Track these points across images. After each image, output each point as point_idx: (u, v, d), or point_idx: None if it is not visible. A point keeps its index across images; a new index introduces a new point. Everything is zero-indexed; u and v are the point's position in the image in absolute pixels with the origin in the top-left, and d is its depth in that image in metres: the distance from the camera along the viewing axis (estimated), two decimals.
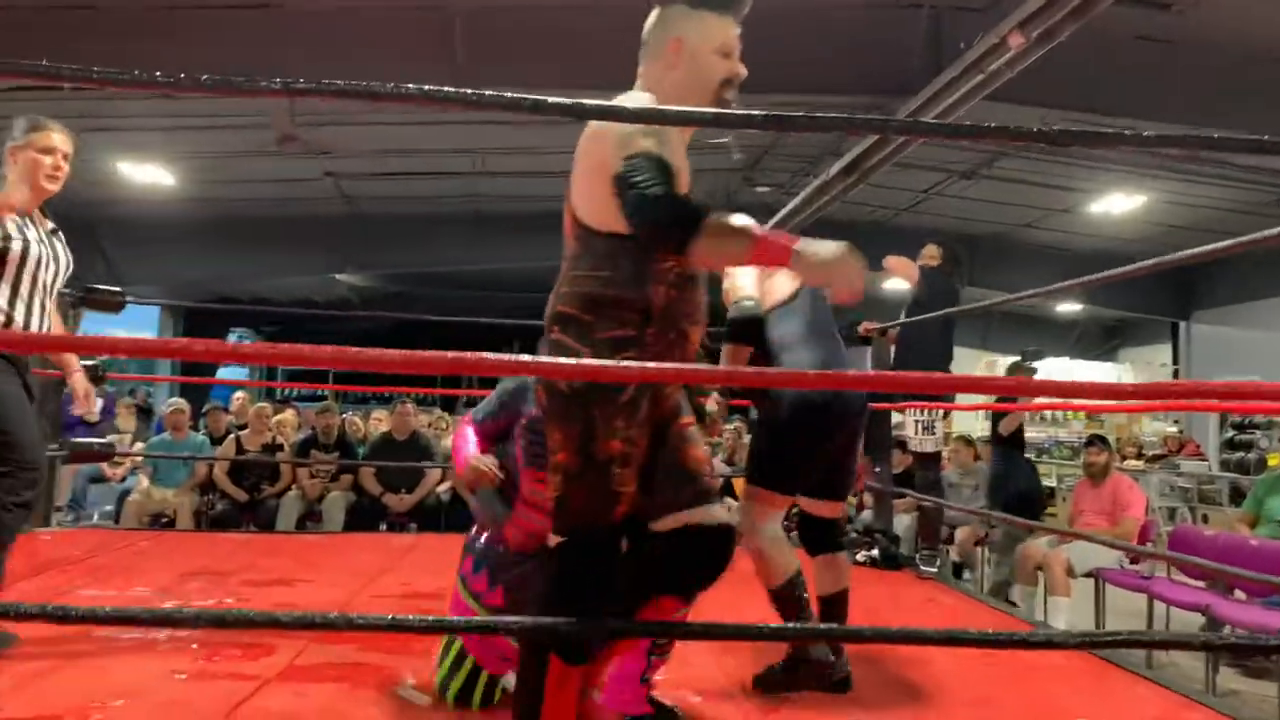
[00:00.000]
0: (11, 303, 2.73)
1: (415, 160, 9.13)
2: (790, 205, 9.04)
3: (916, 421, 4.59)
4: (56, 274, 2.89)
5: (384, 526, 6.27)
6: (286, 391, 13.31)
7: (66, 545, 4.30)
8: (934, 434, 4.64)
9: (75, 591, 3.47)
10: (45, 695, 2.26)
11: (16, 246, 2.73)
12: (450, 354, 1.44)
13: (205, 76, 1.61)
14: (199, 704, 2.18)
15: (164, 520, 6.17)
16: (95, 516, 7.00)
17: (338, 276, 13.32)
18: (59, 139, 2.86)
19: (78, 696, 2.25)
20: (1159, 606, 4.89)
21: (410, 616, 1.51)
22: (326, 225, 11.23)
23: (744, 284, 2.70)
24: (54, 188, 2.86)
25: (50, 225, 2.95)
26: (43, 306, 2.84)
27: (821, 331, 2.65)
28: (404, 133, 8.31)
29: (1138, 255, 11.12)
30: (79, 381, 3.18)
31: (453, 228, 11.08)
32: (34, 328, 2.79)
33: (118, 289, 4.49)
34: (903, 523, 6.09)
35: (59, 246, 2.92)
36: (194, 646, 2.74)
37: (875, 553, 4.85)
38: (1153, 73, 6.56)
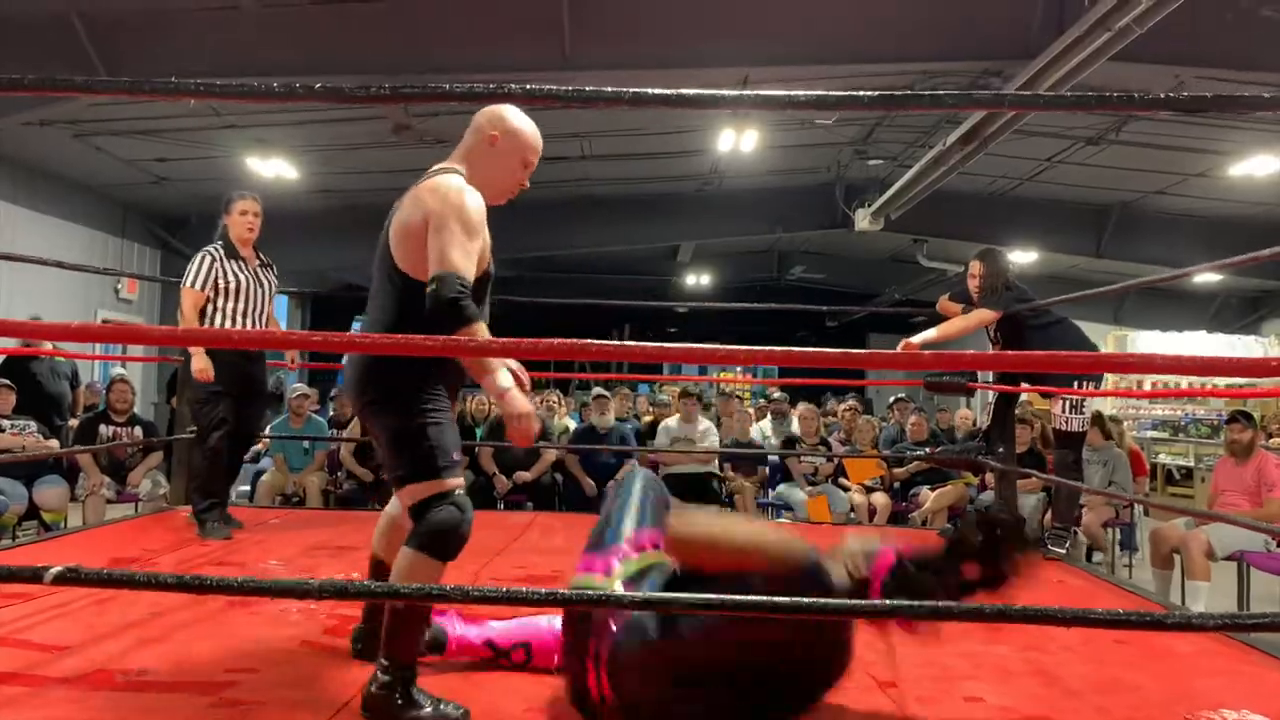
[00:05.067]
0: (234, 321, 4.24)
1: None
2: (904, 178, 8.79)
3: (1065, 400, 4.39)
4: (263, 298, 4.37)
5: (501, 505, 6.42)
6: None
7: None
8: (1082, 414, 4.44)
9: (214, 565, 3.66)
10: (183, 661, 2.39)
11: (233, 284, 4.24)
12: (556, 341, 1.45)
13: (319, 85, 1.67)
14: (327, 673, 2.28)
15: (295, 499, 6.45)
16: (233, 495, 7.37)
17: None
18: (248, 204, 4.37)
19: (216, 662, 2.37)
20: None
21: (524, 589, 1.54)
22: None
23: None
24: (251, 236, 4.35)
25: (259, 260, 4.41)
26: (254, 323, 4.31)
27: None
28: None
29: None
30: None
31: (561, 211, 11.19)
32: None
33: None
34: (1028, 503, 5.89)
35: (264, 276, 4.39)
36: (323, 618, 2.86)
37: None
38: None
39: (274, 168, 9.44)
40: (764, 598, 1.66)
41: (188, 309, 4.21)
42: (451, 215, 2.10)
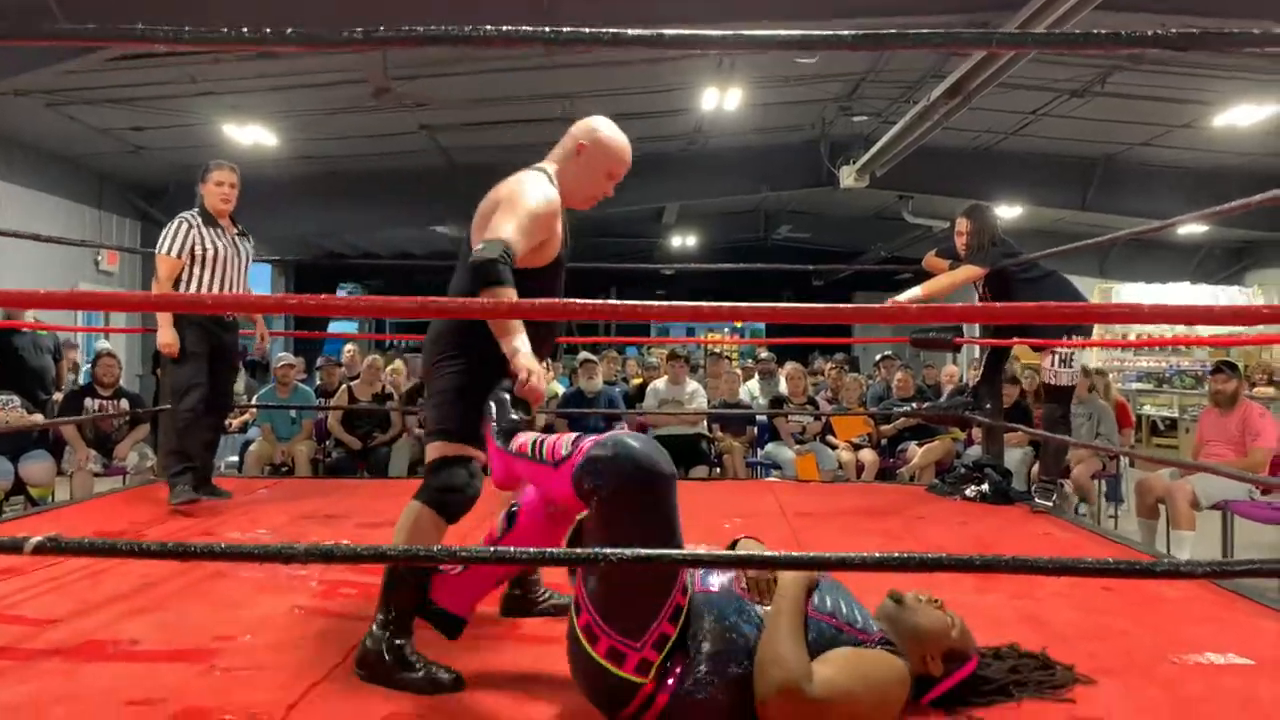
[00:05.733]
0: (210, 290, 4.14)
1: (506, 109, 9.14)
2: (889, 134, 8.73)
3: (1055, 354, 4.39)
4: (240, 267, 4.32)
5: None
6: (397, 343, 13.64)
7: None
8: (1071, 367, 4.45)
9: (203, 535, 3.65)
10: (177, 629, 2.39)
11: (211, 252, 4.17)
12: (538, 302, 1.43)
13: (290, 30, 1.63)
14: (318, 637, 2.28)
15: (284, 469, 6.44)
16: (222, 466, 7.36)
17: (436, 229, 13.52)
18: (224, 174, 4.28)
19: (206, 630, 2.37)
20: None
21: (512, 549, 1.53)
22: (423, 178, 11.36)
23: None
24: (226, 207, 4.28)
25: (238, 229, 4.36)
26: (231, 291, 4.21)
27: None
28: (494, 82, 8.31)
29: (1266, 170, 10.39)
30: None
31: None
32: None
33: None
34: (1014, 457, 5.92)
35: (241, 245, 4.34)
36: (313, 584, 2.86)
37: (985, 488, 4.73)
38: None
39: (252, 134, 9.30)
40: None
41: (164, 276, 4.15)
42: (516, 199, 2.24)
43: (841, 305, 1.61)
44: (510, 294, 2.11)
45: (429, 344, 2.39)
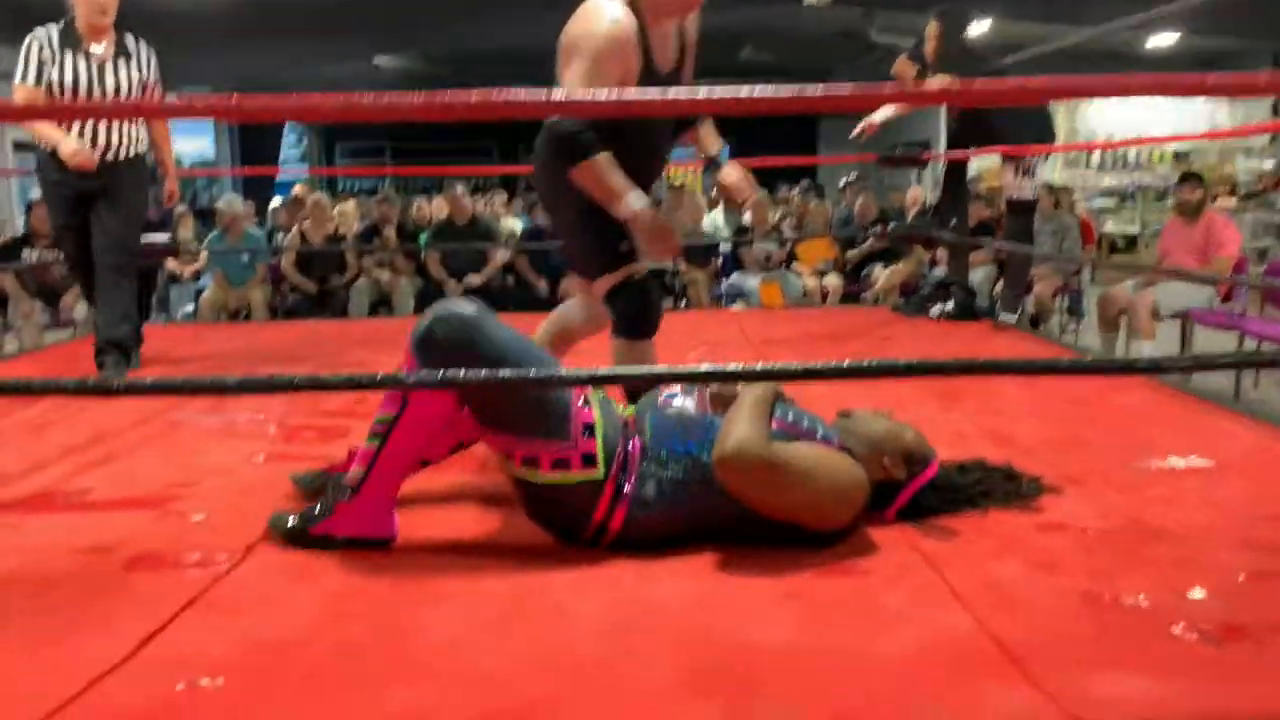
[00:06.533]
0: (72, 131, 3.39)
1: None
2: None
3: (1017, 164, 4.29)
4: (118, 97, 3.47)
5: None
6: (347, 186, 13.25)
7: (146, 342, 4.40)
8: (1033, 178, 4.35)
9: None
10: (130, 479, 2.33)
11: (69, 79, 3.40)
12: (473, 93, 1.29)
13: None
14: (277, 482, 2.21)
15: (242, 315, 6.30)
16: (179, 315, 7.19)
17: (377, 63, 12.88)
18: None
19: (160, 479, 2.31)
20: (1249, 347, 4.72)
21: (463, 372, 1.45)
22: (360, 5, 10.66)
23: None
24: (103, 22, 3.41)
25: (121, 50, 3.52)
26: (107, 134, 3.46)
27: None
28: None
29: None
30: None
31: None
32: (102, 140, 3.46)
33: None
34: (978, 276, 5.91)
35: (123, 73, 3.50)
36: (271, 430, 2.80)
37: (950, 306, 4.72)
38: None
39: None
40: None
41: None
42: (580, 41, 2.14)
43: (811, 93, 1.46)
44: (601, 161, 2.09)
45: (537, 182, 2.38)
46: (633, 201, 2.13)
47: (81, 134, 3.43)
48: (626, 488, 1.79)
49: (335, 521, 1.84)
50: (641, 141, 2.26)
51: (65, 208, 3.60)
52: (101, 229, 3.55)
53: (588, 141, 2.07)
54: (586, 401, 1.84)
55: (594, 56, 2.10)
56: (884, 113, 4.22)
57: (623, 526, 1.80)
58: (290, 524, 1.87)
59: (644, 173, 2.27)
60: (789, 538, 1.80)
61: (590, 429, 1.80)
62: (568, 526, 1.84)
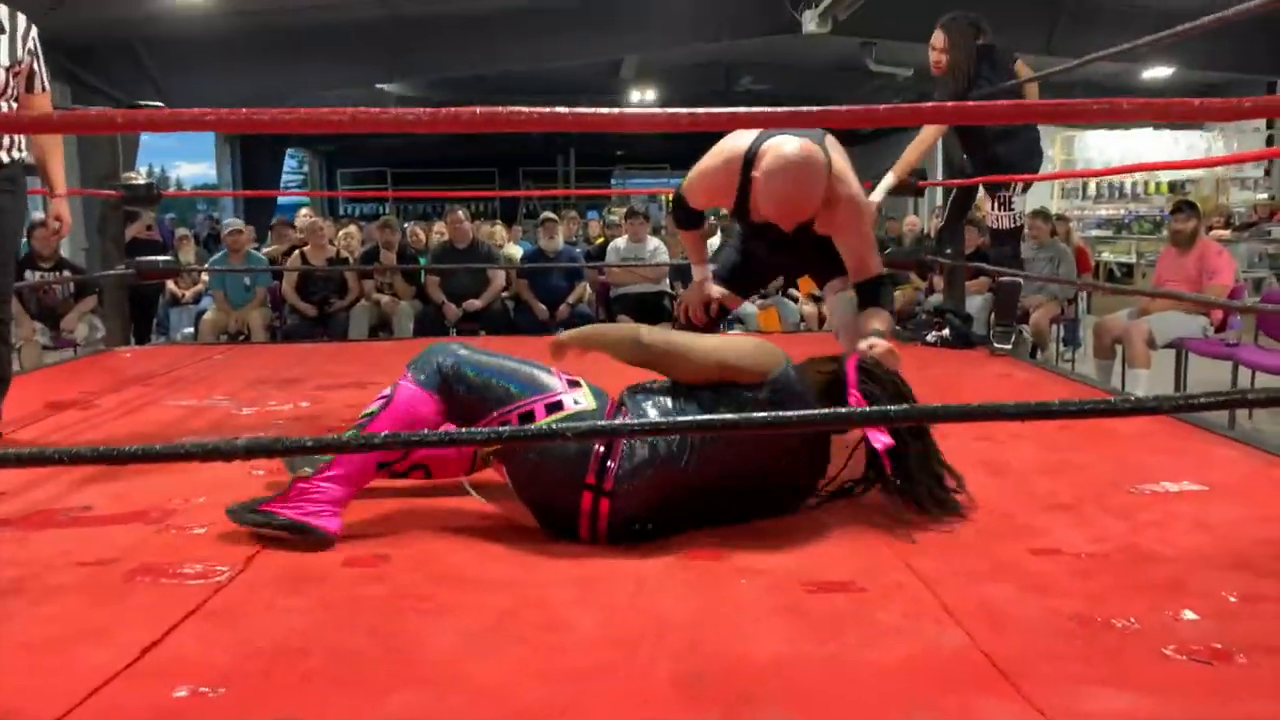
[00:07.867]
0: None
1: None
2: None
3: (994, 196, 4.32)
4: None
5: (453, 332, 6.36)
6: (349, 211, 13.33)
7: (146, 362, 4.43)
8: (1011, 210, 4.38)
9: (158, 402, 3.57)
10: (129, 494, 2.34)
11: None
12: (479, 110, 1.32)
13: None
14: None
15: (240, 337, 6.33)
16: (179, 337, 7.22)
17: (384, 88, 12.99)
18: None
19: (160, 493, 2.32)
20: (1244, 377, 4.75)
21: (482, 429, 1.47)
22: (365, 31, 10.81)
23: None
24: None
25: None
26: None
27: None
28: None
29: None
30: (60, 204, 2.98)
31: (494, 26, 10.59)
32: None
33: (159, 104, 4.41)
34: (974, 303, 5.95)
35: None
36: None
37: (946, 333, 4.75)
38: None
39: None
40: (769, 414, 1.79)
41: None
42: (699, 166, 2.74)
43: (807, 111, 1.50)
44: (689, 237, 3.00)
45: None
46: (696, 274, 2.97)
47: None
48: (616, 451, 1.89)
49: (284, 502, 1.93)
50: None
51: None
52: None
53: (680, 219, 2.95)
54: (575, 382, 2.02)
55: (699, 171, 2.74)
56: (899, 170, 4.34)
57: (613, 486, 1.87)
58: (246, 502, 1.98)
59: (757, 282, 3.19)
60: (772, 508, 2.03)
61: (576, 382, 2.01)
62: (563, 504, 1.90)
